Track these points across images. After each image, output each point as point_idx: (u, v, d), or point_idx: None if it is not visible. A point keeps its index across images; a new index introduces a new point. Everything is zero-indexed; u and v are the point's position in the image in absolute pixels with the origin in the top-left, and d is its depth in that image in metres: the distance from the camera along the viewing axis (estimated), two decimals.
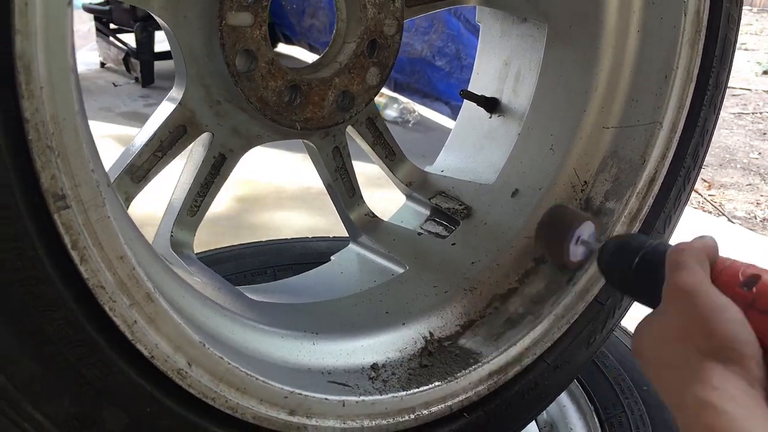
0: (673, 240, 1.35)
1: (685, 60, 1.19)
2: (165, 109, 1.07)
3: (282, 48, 6.10)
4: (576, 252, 1.10)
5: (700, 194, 4.23)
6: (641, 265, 0.91)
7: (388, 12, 1.17)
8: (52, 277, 0.67)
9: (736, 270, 0.81)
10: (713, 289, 0.77)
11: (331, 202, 1.35)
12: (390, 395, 1.02)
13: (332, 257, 1.40)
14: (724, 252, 0.86)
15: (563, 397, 1.52)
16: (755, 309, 0.76)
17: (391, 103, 4.78)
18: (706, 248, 0.83)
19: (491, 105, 1.45)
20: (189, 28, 1.01)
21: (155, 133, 1.06)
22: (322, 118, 1.16)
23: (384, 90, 4.87)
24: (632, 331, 1.62)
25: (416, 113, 4.80)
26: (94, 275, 0.69)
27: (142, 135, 1.08)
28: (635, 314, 1.45)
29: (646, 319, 0.84)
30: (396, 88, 4.90)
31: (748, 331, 0.73)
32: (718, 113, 1.30)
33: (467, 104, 1.51)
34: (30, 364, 0.68)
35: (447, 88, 4.42)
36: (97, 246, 0.69)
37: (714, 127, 1.30)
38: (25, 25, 0.60)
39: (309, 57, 5.72)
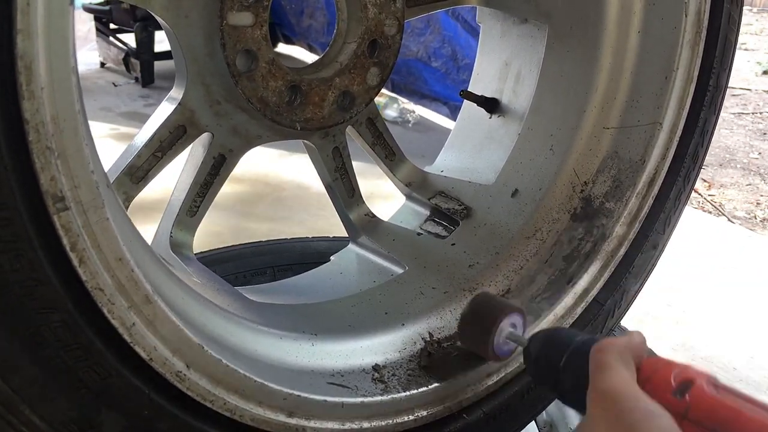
0: (674, 239, 1.35)
1: (686, 61, 1.19)
2: (165, 110, 1.07)
3: (282, 48, 6.09)
4: (501, 347, 1.02)
5: (700, 194, 4.23)
6: (569, 363, 0.84)
7: (388, 12, 1.17)
8: (51, 279, 0.67)
9: (668, 374, 0.73)
10: (641, 394, 0.69)
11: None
12: (389, 396, 1.02)
13: (332, 257, 1.40)
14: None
15: None
16: (689, 420, 0.69)
17: (390, 103, 4.78)
18: (630, 346, 0.76)
19: (491, 105, 1.45)
20: (190, 27, 1.01)
21: (155, 134, 1.06)
22: (322, 119, 1.15)
23: (384, 90, 4.87)
24: (632, 331, 1.62)
25: (416, 113, 4.80)
26: (93, 277, 0.69)
27: (141, 135, 1.07)
28: (635, 314, 1.45)
29: (578, 427, 0.75)
30: (393, 89, 4.89)
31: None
32: (719, 114, 1.30)
33: (467, 104, 1.50)
34: (28, 367, 0.68)
35: (443, 89, 4.42)
36: (96, 248, 0.69)
37: (714, 128, 1.30)
38: (27, 24, 0.60)
39: (308, 57, 5.72)
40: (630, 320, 1.48)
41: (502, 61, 1.44)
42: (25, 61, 0.60)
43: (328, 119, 1.16)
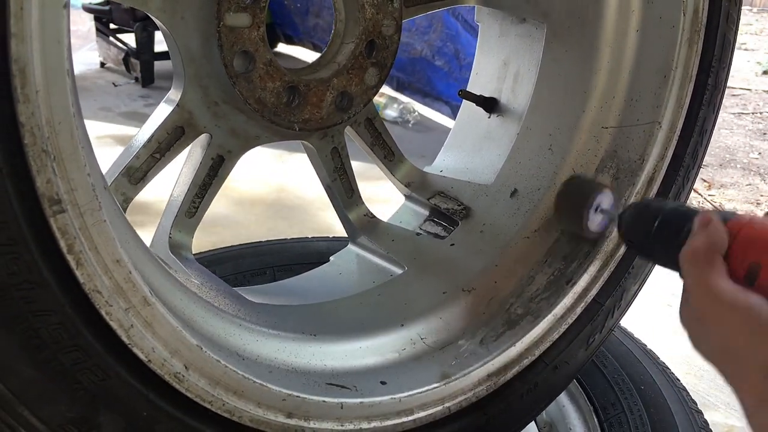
0: None
1: (684, 60, 1.19)
2: (163, 111, 1.07)
3: (283, 48, 6.09)
4: (595, 221, 1.10)
5: (700, 194, 4.22)
6: (660, 229, 0.90)
7: (386, 12, 1.17)
8: (48, 281, 0.67)
9: (741, 252, 0.79)
10: (740, 294, 0.77)
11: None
12: (388, 397, 1.02)
13: (331, 258, 1.40)
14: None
15: (562, 397, 1.52)
16: None
17: (390, 103, 4.77)
18: (712, 244, 0.81)
19: (490, 105, 1.45)
20: (186, 29, 1.01)
21: (153, 135, 1.06)
22: (321, 119, 1.15)
23: (384, 90, 4.87)
24: (631, 332, 1.62)
25: (416, 113, 4.80)
26: (90, 279, 0.69)
27: (140, 137, 1.07)
28: (635, 314, 1.45)
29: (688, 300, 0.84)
30: (398, 88, 4.89)
31: None
32: (718, 113, 1.30)
33: (466, 104, 1.50)
34: (26, 369, 0.68)
35: (446, 88, 4.42)
36: (93, 250, 0.69)
37: (713, 127, 1.30)
38: (21, 28, 0.60)
39: (311, 56, 5.71)
40: (630, 321, 1.48)
41: (501, 61, 1.44)
42: (20, 65, 0.60)
43: (327, 120, 1.16)
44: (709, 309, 0.78)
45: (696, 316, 0.81)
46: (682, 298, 0.84)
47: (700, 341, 0.82)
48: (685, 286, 0.83)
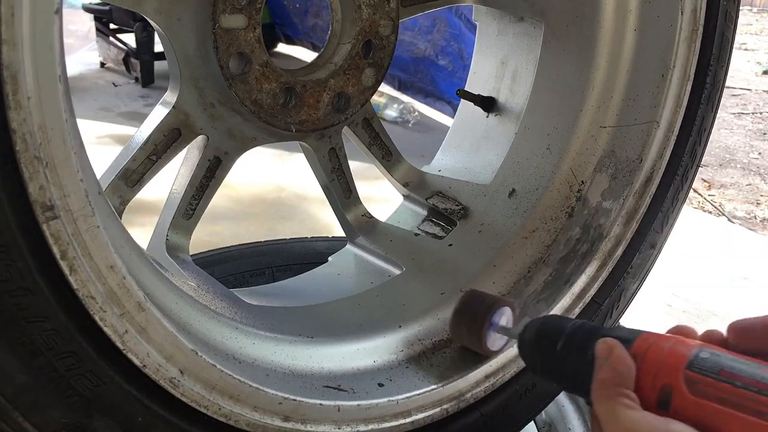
0: (673, 239, 1.35)
1: (682, 58, 1.18)
2: (159, 113, 1.07)
3: (283, 48, 6.08)
4: (494, 340, 1.04)
5: (700, 194, 4.22)
6: (566, 349, 0.84)
7: (383, 12, 1.16)
8: (41, 287, 0.67)
9: (651, 377, 0.75)
10: (657, 422, 0.72)
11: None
12: (386, 399, 1.02)
13: (329, 258, 1.39)
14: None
15: (562, 397, 1.52)
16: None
17: (390, 103, 4.77)
18: (619, 375, 0.77)
19: (488, 104, 1.45)
20: (182, 31, 1.01)
21: (150, 137, 1.06)
22: (318, 120, 1.15)
23: (385, 90, 4.87)
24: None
25: (416, 113, 4.79)
26: (84, 285, 0.69)
27: (136, 139, 1.07)
28: (635, 315, 1.45)
29: None
30: (400, 87, 4.89)
31: None
32: (716, 112, 1.29)
33: (464, 104, 1.50)
34: (20, 375, 0.68)
35: (449, 87, 4.42)
36: (87, 256, 0.68)
37: (712, 126, 1.29)
38: (11, 34, 0.60)
39: (311, 57, 5.70)
40: (629, 322, 1.48)
41: (499, 60, 1.44)
42: (11, 71, 0.60)
43: (324, 121, 1.16)
44: None
45: None
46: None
47: None
48: (599, 421, 0.77)
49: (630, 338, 0.78)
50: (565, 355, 0.84)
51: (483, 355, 1.10)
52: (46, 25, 0.61)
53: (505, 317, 1.04)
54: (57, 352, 0.69)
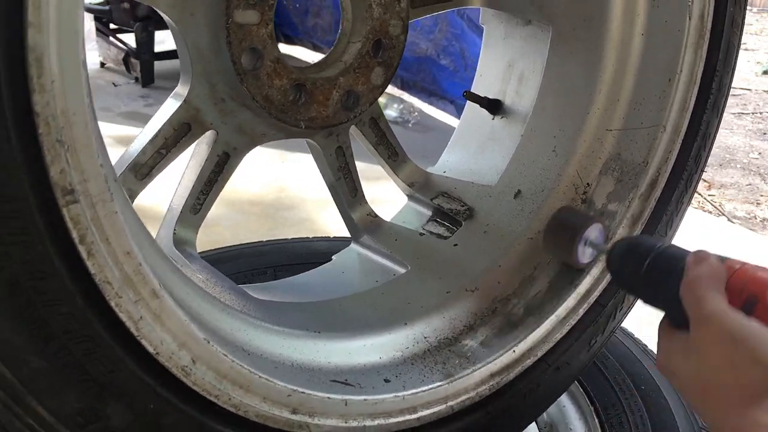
0: (674, 240, 1.35)
1: (689, 64, 1.19)
2: (170, 107, 1.07)
3: (282, 48, 6.09)
4: (584, 253, 1.12)
5: (700, 194, 4.23)
6: (651, 268, 0.91)
7: (393, 12, 1.17)
8: (59, 271, 0.67)
9: (739, 286, 0.82)
10: (743, 319, 0.78)
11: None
12: (392, 395, 1.02)
13: (333, 257, 1.40)
14: (724, 252, 0.87)
15: (564, 398, 1.52)
16: None
17: (391, 103, 4.78)
18: (714, 275, 0.83)
19: (494, 106, 1.46)
20: (195, 25, 1.01)
21: (159, 131, 1.06)
22: (327, 118, 1.16)
23: (388, 88, 4.88)
24: (634, 334, 1.62)
25: (416, 113, 4.80)
26: (101, 270, 0.69)
27: (146, 132, 1.08)
28: (638, 316, 1.45)
29: (677, 339, 0.86)
30: (402, 86, 4.90)
31: None
32: (721, 116, 1.30)
33: (470, 105, 1.51)
34: (35, 359, 0.68)
35: (451, 87, 4.43)
36: (105, 241, 0.69)
37: (717, 131, 1.31)
38: (38, 17, 0.60)
39: (311, 56, 5.72)
40: (629, 322, 1.49)
41: (506, 63, 1.45)
42: (36, 54, 0.60)
43: (332, 118, 1.17)
44: (715, 333, 0.79)
45: (696, 345, 0.82)
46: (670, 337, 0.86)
47: (691, 368, 0.82)
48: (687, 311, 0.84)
49: (720, 258, 0.85)
50: (652, 268, 0.90)
51: (574, 268, 1.17)
52: (72, 8, 0.62)
53: (596, 233, 1.11)
54: (73, 336, 0.70)
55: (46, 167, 0.64)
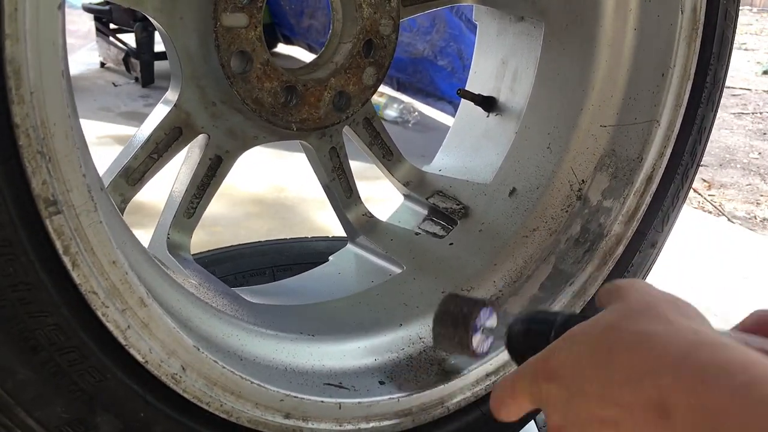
0: (673, 239, 1.35)
1: (682, 57, 1.19)
2: (160, 112, 1.07)
3: (282, 48, 6.08)
4: (481, 343, 0.99)
5: (700, 194, 4.22)
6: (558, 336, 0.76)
7: (383, 12, 1.16)
8: (44, 282, 0.67)
9: None
10: None
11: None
12: (387, 397, 1.02)
13: (330, 258, 1.40)
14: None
15: None
16: None
17: (390, 103, 4.76)
18: None
19: (488, 104, 1.45)
20: (184, 29, 1.01)
21: (151, 136, 1.06)
22: (319, 119, 1.15)
23: (385, 90, 4.87)
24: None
25: (416, 113, 4.79)
26: (87, 280, 0.69)
27: (137, 137, 1.07)
28: None
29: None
30: (399, 88, 4.89)
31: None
32: (716, 111, 1.29)
33: (465, 103, 1.50)
34: (22, 370, 0.68)
35: (449, 88, 4.41)
36: (89, 251, 0.69)
37: (712, 125, 1.30)
38: (15, 29, 0.60)
39: (309, 57, 5.71)
40: None
41: (499, 60, 1.44)
42: (14, 66, 0.60)
43: (325, 119, 1.16)
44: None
45: None
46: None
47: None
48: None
49: None
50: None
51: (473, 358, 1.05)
52: (49, 20, 0.62)
53: (488, 318, 0.99)
54: (59, 347, 0.70)
55: (27, 179, 0.64)
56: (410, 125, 4.69)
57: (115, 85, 5.37)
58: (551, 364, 0.63)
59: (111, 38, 5.61)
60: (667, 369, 0.53)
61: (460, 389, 1.09)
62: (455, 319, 0.98)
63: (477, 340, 0.98)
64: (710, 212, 4.03)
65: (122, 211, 1.05)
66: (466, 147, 1.47)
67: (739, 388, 0.49)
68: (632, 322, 0.59)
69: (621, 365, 0.57)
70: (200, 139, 1.11)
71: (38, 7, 0.61)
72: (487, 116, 1.46)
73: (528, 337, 0.80)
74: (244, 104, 1.06)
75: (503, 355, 1.14)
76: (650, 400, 0.53)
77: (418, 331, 1.16)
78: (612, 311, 0.63)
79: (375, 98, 1.23)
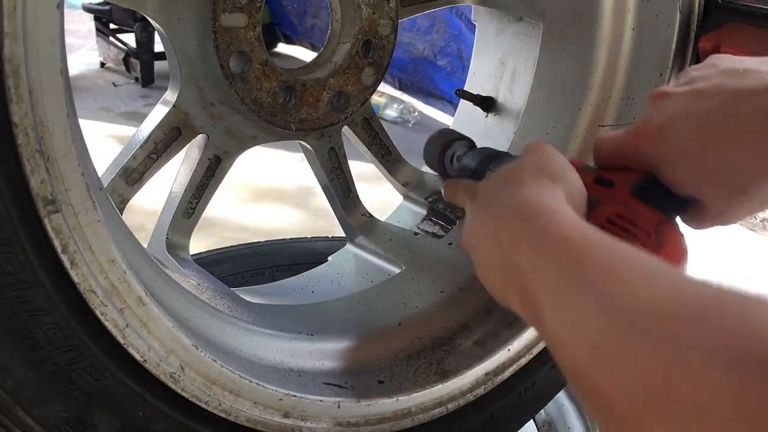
0: None
1: (681, 57, 1.19)
2: (159, 112, 1.07)
3: (282, 48, 6.09)
4: (451, 167, 1.18)
5: None
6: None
7: (382, 12, 1.17)
8: (43, 281, 0.67)
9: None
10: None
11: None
12: (386, 396, 1.02)
13: (329, 258, 1.40)
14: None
15: (562, 396, 1.52)
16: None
17: (390, 103, 4.77)
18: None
19: (487, 104, 1.45)
20: (183, 29, 1.01)
21: (149, 136, 1.06)
22: (318, 119, 1.15)
23: (385, 90, 4.88)
24: None
25: (416, 113, 4.79)
26: (85, 279, 0.69)
27: (136, 138, 1.08)
28: None
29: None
30: (400, 87, 4.90)
31: (578, 177, 0.77)
32: None
33: (464, 104, 1.50)
34: (21, 369, 0.68)
35: (449, 88, 4.42)
36: (88, 250, 0.69)
37: None
38: (14, 27, 0.60)
39: (310, 57, 5.71)
40: None
41: (498, 60, 1.44)
42: (13, 65, 0.60)
43: (324, 120, 1.16)
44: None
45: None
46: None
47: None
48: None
49: None
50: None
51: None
52: (48, 18, 0.62)
53: (465, 149, 1.17)
54: (58, 346, 0.70)
55: (26, 178, 0.64)
56: (410, 125, 4.69)
57: (115, 85, 5.38)
58: (475, 192, 0.83)
59: (111, 38, 5.62)
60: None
61: (459, 389, 1.10)
62: (435, 144, 1.21)
63: (447, 163, 1.19)
64: None
65: (121, 211, 1.05)
66: None
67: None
68: (517, 176, 0.75)
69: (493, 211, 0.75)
70: (199, 139, 1.12)
71: (37, 5, 0.61)
72: (486, 116, 1.46)
73: (470, 173, 1.06)
74: (243, 104, 1.06)
75: (502, 356, 1.14)
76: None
77: (417, 331, 1.16)
78: (511, 166, 0.80)
79: (375, 98, 1.23)
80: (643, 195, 0.78)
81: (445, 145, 1.18)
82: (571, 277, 0.57)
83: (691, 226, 0.81)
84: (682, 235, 0.77)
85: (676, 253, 0.75)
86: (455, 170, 1.16)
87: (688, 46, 1.18)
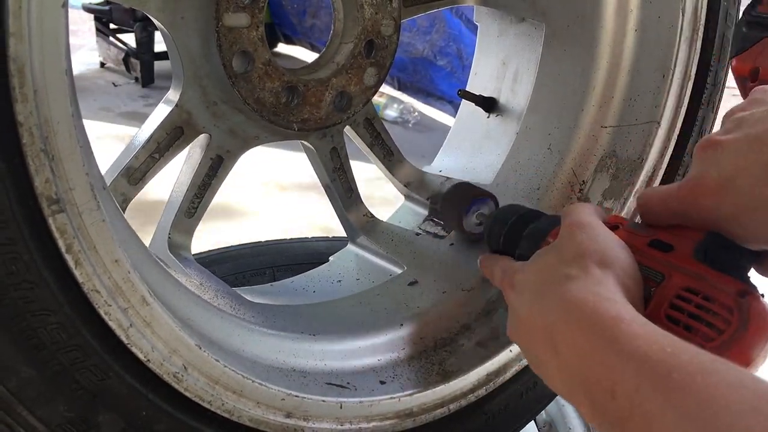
0: None
1: (683, 59, 1.19)
2: (162, 111, 1.07)
3: (282, 48, 6.09)
4: (473, 225, 1.20)
5: None
6: (533, 230, 0.96)
7: (385, 12, 1.17)
8: (47, 281, 0.67)
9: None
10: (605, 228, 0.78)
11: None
12: (388, 396, 1.02)
13: (330, 258, 1.40)
14: None
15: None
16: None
17: (391, 103, 4.76)
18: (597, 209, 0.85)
19: (489, 105, 1.45)
20: (186, 29, 1.01)
21: (152, 135, 1.06)
22: (320, 119, 1.15)
23: (385, 90, 4.87)
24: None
25: (416, 113, 4.79)
26: (89, 279, 0.69)
27: (138, 137, 1.08)
28: None
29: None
30: (400, 87, 4.89)
31: (629, 253, 0.74)
32: (717, 112, 1.30)
33: (465, 104, 1.51)
34: (25, 369, 0.68)
35: (449, 88, 4.42)
36: (92, 249, 0.69)
37: (712, 127, 1.30)
38: (19, 27, 0.60)
39: (310, 57, 5.71)
40: None
41: (500, 60, 1.44)
42: (18, 64, 0.60)
43: (326, 120, 1.16)
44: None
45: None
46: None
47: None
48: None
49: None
50: (530, 236, 0.96)
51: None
52: (54, 18, 0.62)
53: (485, 206, 1.20)
54: (62, 345, 0.70)
55: (30, 177, 0.64)
56: (410, 125, 4.69)
57: (115, 85, 5.37)
58: (514, 279, 0.82)
59: (111, 38, 5.62)
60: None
61: (461, 389, 1.10)
62: (456, 201, 1.22)
63: (469, 222, 1.20)
64: None
65: (123, 210, 1.05)
66: (466, 148, 1.48)
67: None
68: (561, 267, 0.72)
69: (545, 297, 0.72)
70: (201, 138, 1.12)
71: (43, 5, 0.61)
72: (488, 117, 1.46)
73: (503, 228, 1.02)
74: (246, 104, 1.06)
75: (504, 356, 1.14)
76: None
77: (419, 331, 1.16)
78: (551, 252, 0.78)
79: (375, 98, 1.23)
80: (711, 258, 0.70)
81: (465, 203, 1.18)
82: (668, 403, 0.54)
83: (765, 276, 0.75)
84: (765, 303, 0.67)
85: (765, 326, 0.65)
86: (480, 232, 1.16)
87: (691, 48, 1.18)
